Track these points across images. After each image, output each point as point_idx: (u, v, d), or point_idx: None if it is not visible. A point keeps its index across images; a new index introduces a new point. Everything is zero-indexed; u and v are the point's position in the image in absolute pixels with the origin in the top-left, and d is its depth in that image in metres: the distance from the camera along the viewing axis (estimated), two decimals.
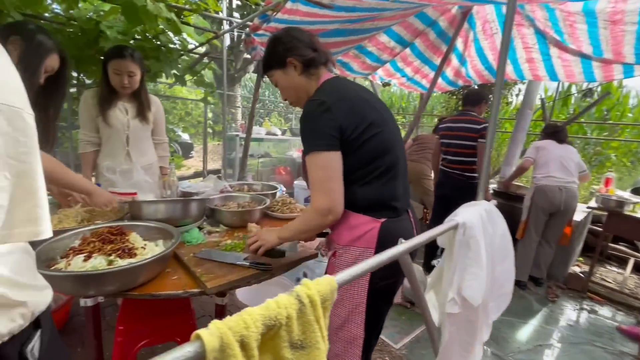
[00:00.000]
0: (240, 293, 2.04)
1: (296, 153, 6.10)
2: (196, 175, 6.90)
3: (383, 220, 0.98)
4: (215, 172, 6.42)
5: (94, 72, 2.44)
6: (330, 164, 0.94)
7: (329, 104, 0.94)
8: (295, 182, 5.18)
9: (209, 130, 5.94)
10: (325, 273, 1.10)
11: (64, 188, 1.34)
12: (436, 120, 4.32)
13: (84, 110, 1.81)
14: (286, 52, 1.05)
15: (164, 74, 2.59)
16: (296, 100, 1.14)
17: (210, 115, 5.89)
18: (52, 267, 0.93)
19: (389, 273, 0.97)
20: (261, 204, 1.68)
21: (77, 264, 0.93)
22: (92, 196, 1.32)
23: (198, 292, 0.99)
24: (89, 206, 1.36)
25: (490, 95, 2.92)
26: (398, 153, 1.05)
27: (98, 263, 0.93)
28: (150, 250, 1.07)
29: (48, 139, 1.38)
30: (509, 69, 3.03)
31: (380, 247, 0.95)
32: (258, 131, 5.38)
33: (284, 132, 5.89)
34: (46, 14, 2.25)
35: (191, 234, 1.33)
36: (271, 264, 1.08)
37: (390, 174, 1.01)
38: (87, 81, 2.75)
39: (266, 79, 1.62)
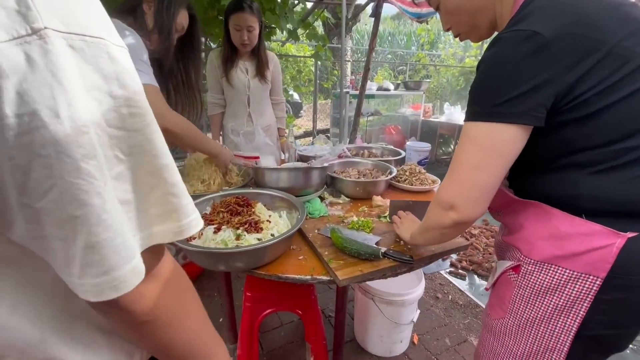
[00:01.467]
0: None
1: (409, 110, 5.54)
2: (306, 134, 7.10)
3: (631, 235, 0.57)
4: (324, 131, 6.44)
5: (217, 35, 2.51)
6: (497, 147, 0.58)
7: (546, 39, 0.53)
8: (408, 142, 4.74)
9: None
10: (490, 286, 0.79)
11: (193, 150, 1.35)
12: None
13: (210, 71, 1.85)
14: None
15: (277, 32, 2.49)
16: (469, 29, 0.75)
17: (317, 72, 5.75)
18: None
19: (621, 319, 0.62)
20: (386, 172, 1.46)
21: (209, 236, 0.90)
22: (218, 158, 1.32)
23: (327, 281, 0.86)
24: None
25: None
26: None
27: (227, 237, 0.89)
28: (274, 222, 1.00)
29: (195, 105, 1.38)
30: None
31: (616, 277, 0.57)
32: (369, 86, 5.00)
33: (396, 87, 5.34)
34: None
35: (313, 205, 1.21)
36: (412, 257, 0.86)
37: None
38: (212, 45, 2.88)
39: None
